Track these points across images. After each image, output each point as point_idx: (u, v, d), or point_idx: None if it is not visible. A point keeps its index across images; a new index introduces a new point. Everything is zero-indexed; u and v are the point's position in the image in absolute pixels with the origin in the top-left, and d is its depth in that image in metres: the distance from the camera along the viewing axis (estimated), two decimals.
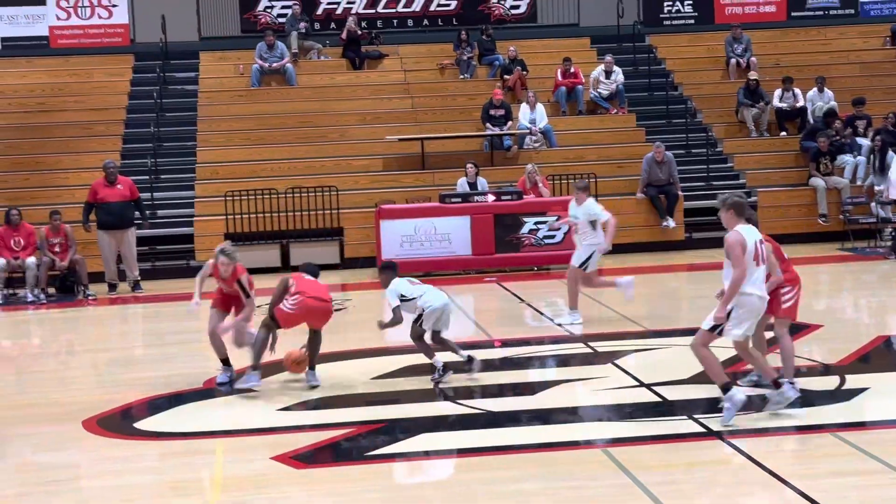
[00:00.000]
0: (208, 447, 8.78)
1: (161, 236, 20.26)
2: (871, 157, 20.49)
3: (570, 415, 9.44)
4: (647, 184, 20.47)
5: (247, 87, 24.08)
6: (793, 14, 26.65)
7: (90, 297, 17.68)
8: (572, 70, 23.59)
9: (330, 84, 24.36)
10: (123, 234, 18.07)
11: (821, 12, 26.71)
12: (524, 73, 23.88)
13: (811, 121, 22.50)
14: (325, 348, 12.27)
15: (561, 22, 26.78)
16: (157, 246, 20.26)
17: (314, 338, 10.72)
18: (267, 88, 24.08)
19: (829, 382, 9.90)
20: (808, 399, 9.35)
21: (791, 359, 9.47)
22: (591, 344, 12.18)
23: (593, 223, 13.58)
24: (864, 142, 21.40)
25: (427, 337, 10.87)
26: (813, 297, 15.49)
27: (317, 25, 26.12)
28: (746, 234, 8.55)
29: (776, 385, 8.72)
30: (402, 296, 10.77)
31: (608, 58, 23.71)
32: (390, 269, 11.13)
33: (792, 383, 9.28)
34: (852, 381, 9.81)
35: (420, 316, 10.78)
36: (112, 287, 18.20)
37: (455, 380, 10.72)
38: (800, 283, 9.56)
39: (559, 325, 13.46)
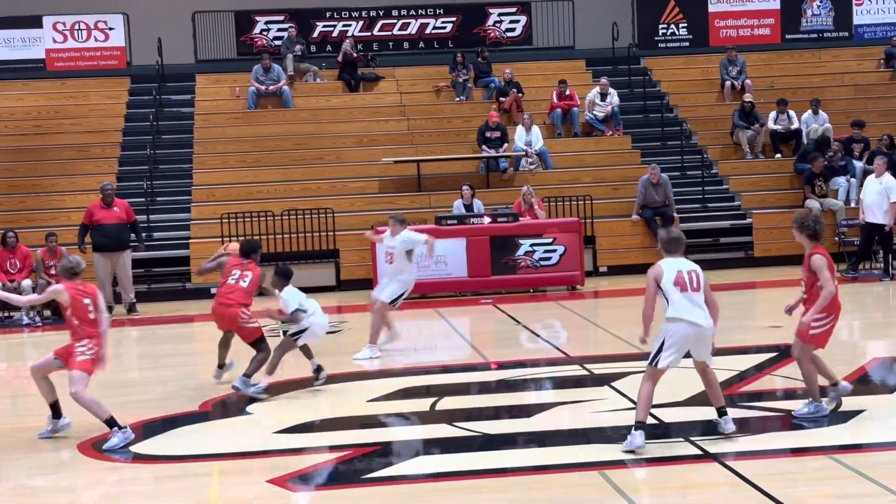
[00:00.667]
0: (204, 470, 8.75)
1: (157, 258, 20.26)
2: None
3: (566, 437, 9.42)
4: (643, 206, 20.51)
5: (243, 109, 24.14)
6: (787, 36, 26.78)
7: None
8: (568, 92, 23.66)
9: (326, 106, 24.42)
10: (119, 257, 18.07)
11: (815, 35, 26.84)
12: (520, 95, 23.95)
13: (806, 143, 22.56)
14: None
15: (556, 44, 26.89)
16: (153, 268, 20.27)
17: (256, 350, 11.32)
18: (263, 111, 24.13)
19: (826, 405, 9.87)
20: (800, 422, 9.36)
21: (813, 382, 9.42)
22: (588, 366, 12.17)
23: (409, 253, 13.31)
24: (860, 164, 21.45)
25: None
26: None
27: (313, 48, 26.22)
28: (667, 265, 8.72)
29: (719, 413, 8.76)
30: (300, 305, 11.22)
31: (603, 80, 23.78)
32: (286, 277, 11.45)
33: (819, 403, 9.32)
34: (849, 403, 9.80)
35: (301, 332, 11.20)
36: (108, 310, 18.14)
37: (452, 402, 10.72)
38: (838, 314, 9.44)
39: (355, 359, 13.01)
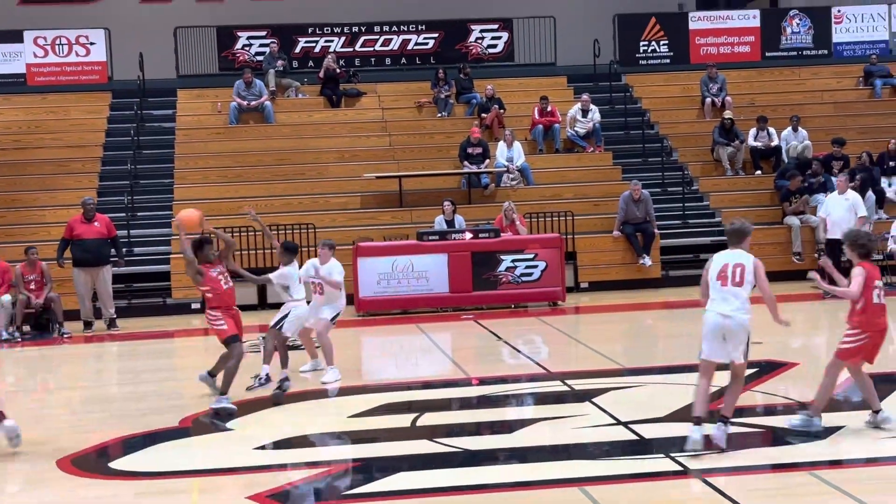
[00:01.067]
0: (184, 487, 8.72)
1: (137, 274, 20.19)
2: None
3: (547, 453, 9.42)
4: (624, 221, 20.56)
5: (224, 124, 24.12)
6: (767, 54, 26.92)
7: (65, 335, 17.57)
8: (549, 108, 23.73)
9: (308, 122, 24.43)
10: (99, 272, 18.00)
11: (794, 52, 27.00)
12: (501, 111, 24.00)
13: (785, 160, 22.68)
14: (300, 386, 12.27)
15: (538, 61, 26.97)
16: (134, 283, 20.20)
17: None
18: (245, 126, 24.11)
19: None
20: (783, 437, 9.39)
21: (823, 396, 9.39)
22: (569, 382, 12.18)
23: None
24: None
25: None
26: (789, 336, 15.55)
27: (295, 63, 26.23)
28: (717, 259, 9.10)
29: (720, 419, 8.95)
30: (289, 287, 12.08)
31: (585, 96, 23.87)
32: (291, 252, 12.29)
33: (816, 418, 9.34)
34: (828, 419, 9.83)
35: (282, 319, 11.95)
36: (87, 325, 18.10)
37: (433, 418, 10.72)
38: (874, 333, 9.26)
39: (323, 383, 12.53)
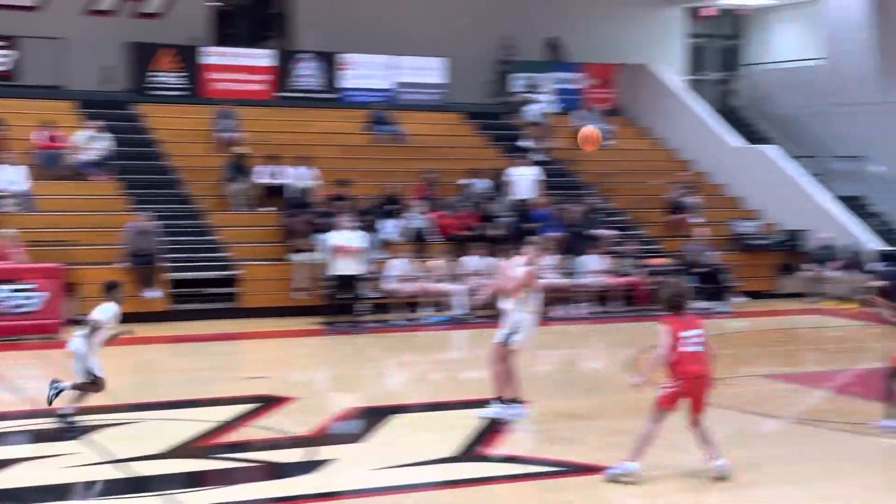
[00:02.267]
0: None
1: None
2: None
3: (36, 494, 8.95)
4: (131, 253, 20.14)
5: None
6: (280, 94, 27.54)
7: None
8: (55, 133, 22.83)
9: None
10: None
11: (306, 94, 27.84)
12: (4, 132, 22.74)
13: (293, 197, 23.25)
14: None
15: (45, 83, 25.79)
16: None
17: None
18: None
19: (301, 454, 10.14)
20: (280, 471, 9.55)
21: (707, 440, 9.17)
22: (65, 418, 11.66)
23: None
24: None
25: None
26: (289, 370, 15.90)
27: None
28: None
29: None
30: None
31: (94, 123, 23.20)
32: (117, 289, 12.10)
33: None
34: (323, 452, 10.12)
35: None
36: None
37: None
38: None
39: None
